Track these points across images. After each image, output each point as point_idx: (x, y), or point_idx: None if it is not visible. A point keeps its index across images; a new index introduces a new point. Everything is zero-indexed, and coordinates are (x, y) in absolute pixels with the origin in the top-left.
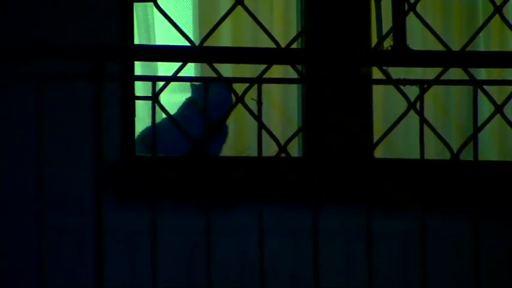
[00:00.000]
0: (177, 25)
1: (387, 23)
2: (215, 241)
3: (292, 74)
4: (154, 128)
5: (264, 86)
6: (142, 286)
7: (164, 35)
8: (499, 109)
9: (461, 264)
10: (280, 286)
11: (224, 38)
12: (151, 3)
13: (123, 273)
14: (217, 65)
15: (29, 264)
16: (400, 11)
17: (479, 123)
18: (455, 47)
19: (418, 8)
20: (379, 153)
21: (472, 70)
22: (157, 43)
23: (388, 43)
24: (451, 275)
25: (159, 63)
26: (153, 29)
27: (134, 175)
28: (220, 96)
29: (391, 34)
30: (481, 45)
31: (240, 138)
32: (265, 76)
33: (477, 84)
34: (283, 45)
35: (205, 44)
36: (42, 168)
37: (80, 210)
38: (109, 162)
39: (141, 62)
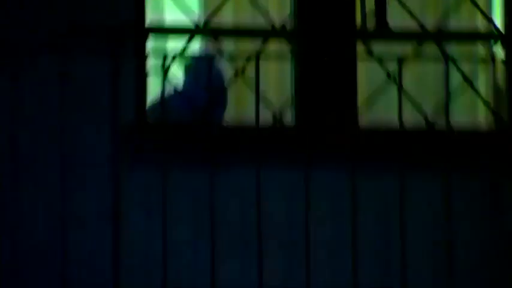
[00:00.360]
0: (185, 4)
1: (370, 3)
2: (218, 197)
3: (286, 51)
4: (164, 97)
5: (262, 62)
6: (156, 236)
7: (174, 13)
8: (469, 82)
9: (437, 219)
10: (277, 235)
11: (226, 19)
12: None
13: (138, 226)
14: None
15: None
16: None
17: (452, 96)
18: (431, 25)
19: None
20: (363, 121)
21: (446, 45)
22: (167, 20)
23: (370, 22)
24: (427, 229)
25: (169, 39)
26: (163, 6)
27: (147, 139)
28: (213, 72)
29: (374, 13)
30: (454, 23)
31: (239, 107)
32: (261, 53)
33: (449, 59)
34: (277, 24)
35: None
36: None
37: (100, 170)
38: (125, 127)
39: (153, 37)
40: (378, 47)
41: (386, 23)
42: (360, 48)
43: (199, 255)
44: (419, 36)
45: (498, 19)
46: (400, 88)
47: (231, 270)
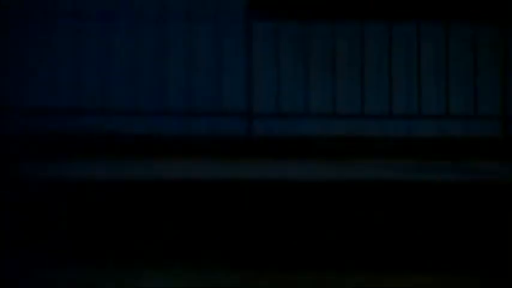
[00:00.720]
0: None
1: None
2: (315, 43)
3: None
4: None
5: None
6: (269, 64)
7: None
8: None
9: (440, 51)
10: (372, 64)
11: None
12: None
13: (259, 57)
14: None
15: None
16: None
17: None
18: None
19: None
20: None
21: None
22: None
23: None
24: (436, 57)
25: None
26: None
27: (269, 2)
28: None
29: None
30: None
31: None
32: None
33: None
34: None
35: None
36: None
37: (239, 20)
38: None
39: None
40: None
41: None
42: None
43: (309, 80)
44: None
45: None
46: None
47: (323, 86)
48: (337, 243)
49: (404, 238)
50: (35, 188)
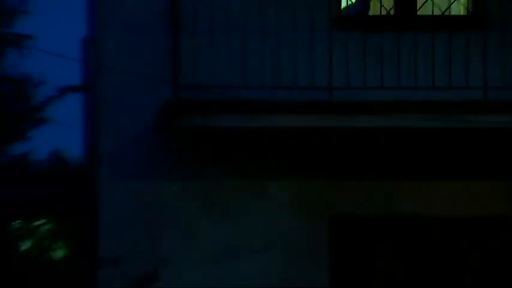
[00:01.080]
0: None
1: None
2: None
3: None
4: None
5: None
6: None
7: None
8: None
9: (445, 52)
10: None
11: None
12: None
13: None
14: None
15: None
16: None
17: None
18: None
19: None
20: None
21: None
22: None
23: None
24: (444, 56)
25: None
26: None
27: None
28: None
29: None
30: None
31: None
32: None
33: None
34: None
35: None
36: None
37: (322, 30)
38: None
39: None
40: None
41: None
42: None
43: (367, 67)
44: None
45: None
46: None
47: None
48: (393, 164)
49: (434, 160)
50: (206, 131)
